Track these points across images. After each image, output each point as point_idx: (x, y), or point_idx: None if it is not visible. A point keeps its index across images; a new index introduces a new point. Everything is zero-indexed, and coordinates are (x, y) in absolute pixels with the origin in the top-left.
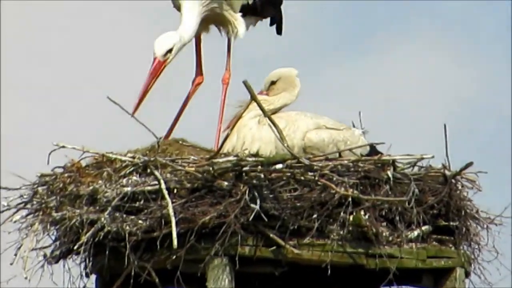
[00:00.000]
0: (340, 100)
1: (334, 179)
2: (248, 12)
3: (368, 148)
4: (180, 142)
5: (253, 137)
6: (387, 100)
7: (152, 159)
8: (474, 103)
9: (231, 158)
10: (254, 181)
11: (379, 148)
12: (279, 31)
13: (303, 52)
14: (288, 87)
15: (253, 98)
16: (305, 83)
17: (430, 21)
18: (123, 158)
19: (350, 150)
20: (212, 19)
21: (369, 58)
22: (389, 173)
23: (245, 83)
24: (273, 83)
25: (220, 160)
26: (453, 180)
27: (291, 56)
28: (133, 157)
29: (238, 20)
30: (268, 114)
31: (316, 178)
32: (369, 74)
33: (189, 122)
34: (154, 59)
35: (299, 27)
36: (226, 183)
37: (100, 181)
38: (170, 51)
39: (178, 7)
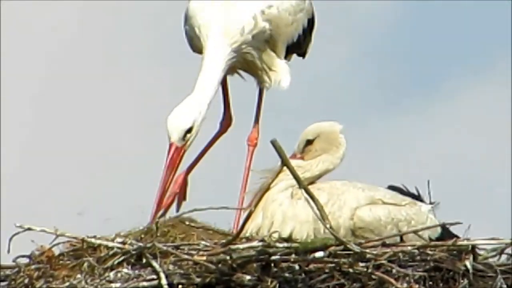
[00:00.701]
0: (391, 165)
1: (394, 271)
2: (291, 51)
3: (439, 229)
4: (187, 222)
5: (285, 216)
6: (459, 163)
7: (149, 245)
8: None
9: (255, 243)
10: (286, 275)
11: (454, 229)
12: (303, 54)
13: (343, 100)
14: (329, 147)
15: (285, 163)
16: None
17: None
18: (110, 244)
19: (416, 232)
20: (242, 65)
21: (431, 108)
22: (468, 263)
23: (273, 143)
24: (309, 142)
25: (241, 246)
26: None
27: (330, 104)
28: (124, 243)
29: (280, 67)
30: (304, 185)
31: (370, 271)
32: (429, 129)
33: (198, 193)
34: (170, 145)
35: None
36: (248, 277)
37: (79, 275)
38: (189, 130)
39: (199, 49)
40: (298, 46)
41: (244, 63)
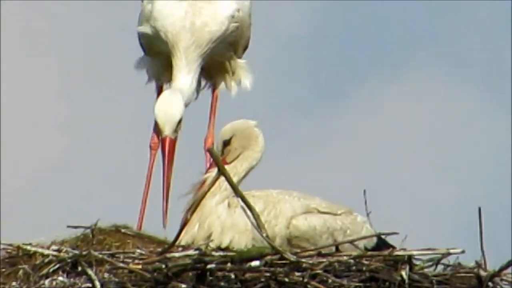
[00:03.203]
0: (328, 175)
1: (330, 281)
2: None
3: (375, 240)
4: (123, 230)
5: (224, 226)
6: (391, 172)
7: (84, 253)
8: None
9: (190, 252)
10: (222, 284)
11: (390, 239)
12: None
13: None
14: (248, 143)
15: (221, 171)
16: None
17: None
18: (46, 252)
19: (351, 242)
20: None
21: (351, 115)
22: (404, 273)
23: (210, 150)
24: (226, 143)
25: (177, 254)
26: (490, 283)
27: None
28: (59, 250)
29: (243, 68)
30: (241, 193)
31: (306, 280)
32: (352, 134)
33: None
34: (164, 140)
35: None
36: (184, 285)
37: (14, 283)
38: (179, 122)
39: (158, 50)
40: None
41: (212, 65)
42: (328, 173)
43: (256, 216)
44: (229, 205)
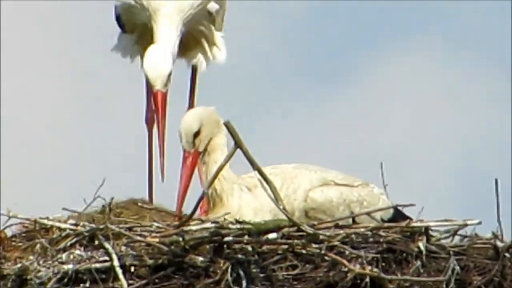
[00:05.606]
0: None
1: (347, 253)
2: None
3: (392, 211)
4: (140, 204)
5: (256, 211)
6: (410, 143)
7: (101, 227)
8: None
9: (208, 225)
10: (239, 256)
11: (407, 211)
12: None
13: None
14: (216, 129)
15: (238, 144)
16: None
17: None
18: (63, 226)
19: (368, 214)
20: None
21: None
22: (421, 244)
23: (227, 125)
24: (196, 134)
25: (194, 227)
26: (507, 254)
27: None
28: (76, 224)
29: (219, 41)
30: (258, 166)
31: (323, 252)
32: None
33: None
34: (156, 94)
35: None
36: (201, 258)
37: (31, 257)
38: (169, 76)
39: (135, 22)
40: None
41: (186, 38)
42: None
43: (273, 189)
44: (248, 189)
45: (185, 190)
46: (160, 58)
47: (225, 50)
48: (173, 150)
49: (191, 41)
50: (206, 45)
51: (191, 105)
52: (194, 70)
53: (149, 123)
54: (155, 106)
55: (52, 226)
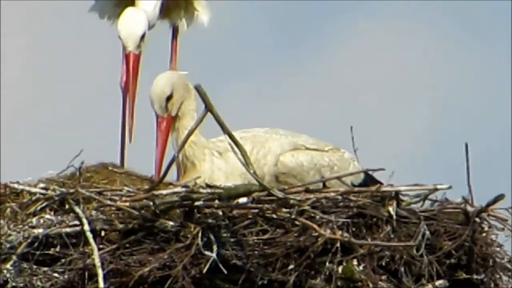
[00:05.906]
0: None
1: (317, 217)
2: None
3: (362, 176)
4: (110, 168)
5: (227, 176)
6: (381, 106)
7: (71, 191)
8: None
9: (178, 189)
10: (210, 221)
11: (377, 176)
12: None
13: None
14: (187, 94)
15: (209, 108)
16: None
17: None
18: (33, 190)
19: (339, 178)
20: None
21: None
22: (391, 209)
23: (197, 88)
24: (169, 98)
25: (164, 192)
26: (477, 219)
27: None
28: (46, 189)
29: (201, 4)
30: (228, 131)
31: (293, 217)
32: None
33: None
34: (128, 55)
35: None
36: (171, 223)
37: (1, 221)
38: (142, 38)
39: None
40: None
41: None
42: (308, 105)
43: (243, 153)
44: (219, 153)
45: (161, 155)
46: (134, 19)
47: (208, 12)
48: (146, 115)
49: (173, 2)
50: (188, 6)
51: (171, 68)
52: (175, 32)
53: (124, 87)
54: (126, 66)
55: (22, 191)
